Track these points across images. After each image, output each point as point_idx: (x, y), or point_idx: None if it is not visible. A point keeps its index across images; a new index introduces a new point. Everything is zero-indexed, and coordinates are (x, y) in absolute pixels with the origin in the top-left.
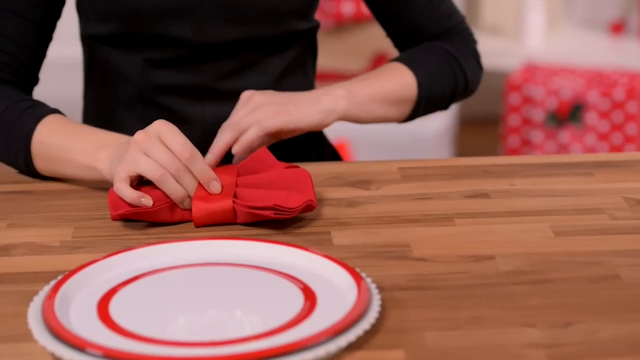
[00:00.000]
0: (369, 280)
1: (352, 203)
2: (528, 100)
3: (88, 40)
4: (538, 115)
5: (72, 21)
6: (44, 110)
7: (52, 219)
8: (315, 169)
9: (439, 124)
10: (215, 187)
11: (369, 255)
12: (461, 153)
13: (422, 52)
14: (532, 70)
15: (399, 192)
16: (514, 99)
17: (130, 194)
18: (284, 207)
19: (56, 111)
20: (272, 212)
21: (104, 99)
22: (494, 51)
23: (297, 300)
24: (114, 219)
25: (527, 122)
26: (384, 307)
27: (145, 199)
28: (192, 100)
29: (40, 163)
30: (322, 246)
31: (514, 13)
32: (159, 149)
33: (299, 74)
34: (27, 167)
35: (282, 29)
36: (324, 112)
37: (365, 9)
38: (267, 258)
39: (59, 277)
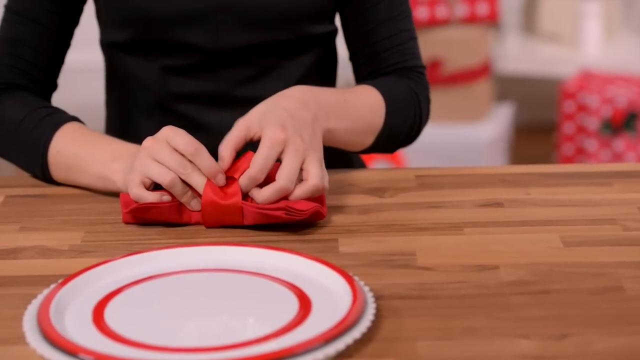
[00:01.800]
0: (366, 288)
1: (363, 210)
2: (583, 108)
3: (107, 47)
4: (593, 123)
5: (95, 26)
6: (62, 118)
7: (64, 222)
8: (332, 176)
9: (493, 131)
10: (221, 179)
11: (373, 264)
12: (515, 161)
13: (390, 81)
14: (587, 78)
15: (412, 200)
16: (569, 106)
17: (150, 197)
18: (295, 209)
19: (74, 119)
20: (284, 212)
21: (124, 105)
22: (551, 58)
23: (292, 308)
24: (126, 221)
25: (581, 130)
26: (379, 316)
27: (166, 197)
28: (209, 107)
29: (56, 171)
30: (327, 253)
31: (571, 20)
32: (166, 153)
33: (317, 80)
34: (43, 175)
35: (298, 33)
36: None
37: (421, 14)
38: (266, 264)
39: (59, 281)
